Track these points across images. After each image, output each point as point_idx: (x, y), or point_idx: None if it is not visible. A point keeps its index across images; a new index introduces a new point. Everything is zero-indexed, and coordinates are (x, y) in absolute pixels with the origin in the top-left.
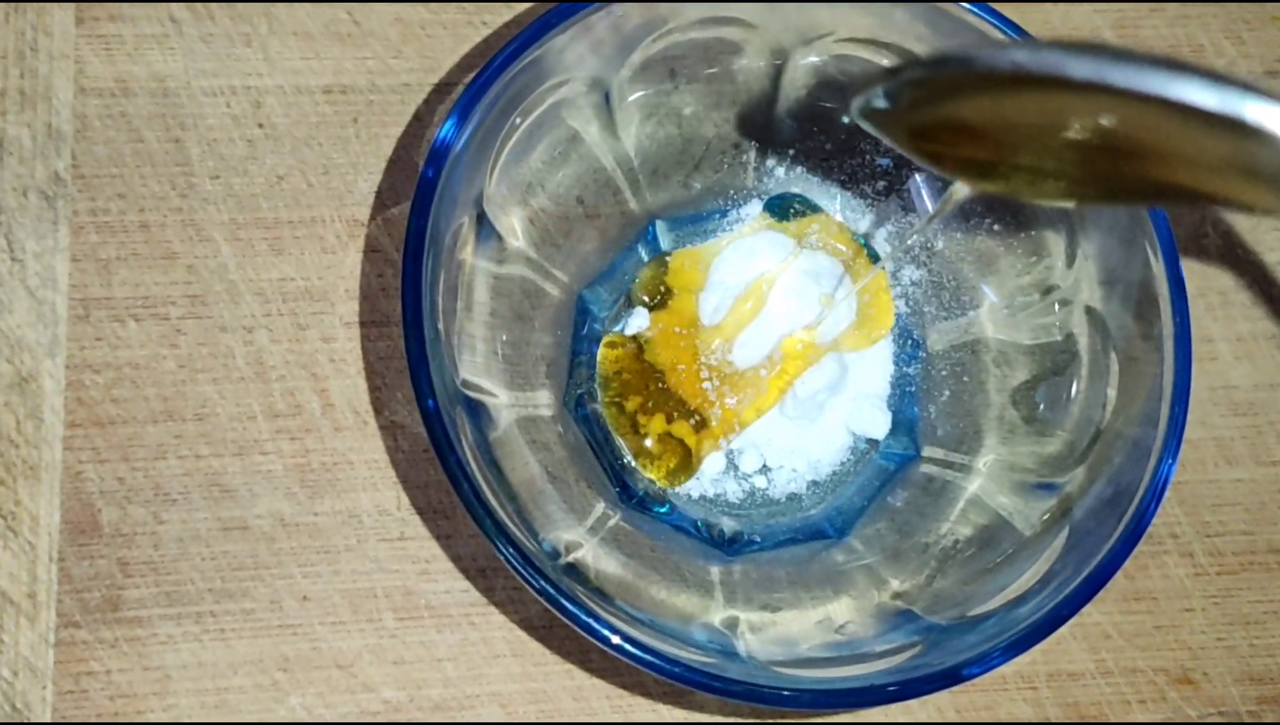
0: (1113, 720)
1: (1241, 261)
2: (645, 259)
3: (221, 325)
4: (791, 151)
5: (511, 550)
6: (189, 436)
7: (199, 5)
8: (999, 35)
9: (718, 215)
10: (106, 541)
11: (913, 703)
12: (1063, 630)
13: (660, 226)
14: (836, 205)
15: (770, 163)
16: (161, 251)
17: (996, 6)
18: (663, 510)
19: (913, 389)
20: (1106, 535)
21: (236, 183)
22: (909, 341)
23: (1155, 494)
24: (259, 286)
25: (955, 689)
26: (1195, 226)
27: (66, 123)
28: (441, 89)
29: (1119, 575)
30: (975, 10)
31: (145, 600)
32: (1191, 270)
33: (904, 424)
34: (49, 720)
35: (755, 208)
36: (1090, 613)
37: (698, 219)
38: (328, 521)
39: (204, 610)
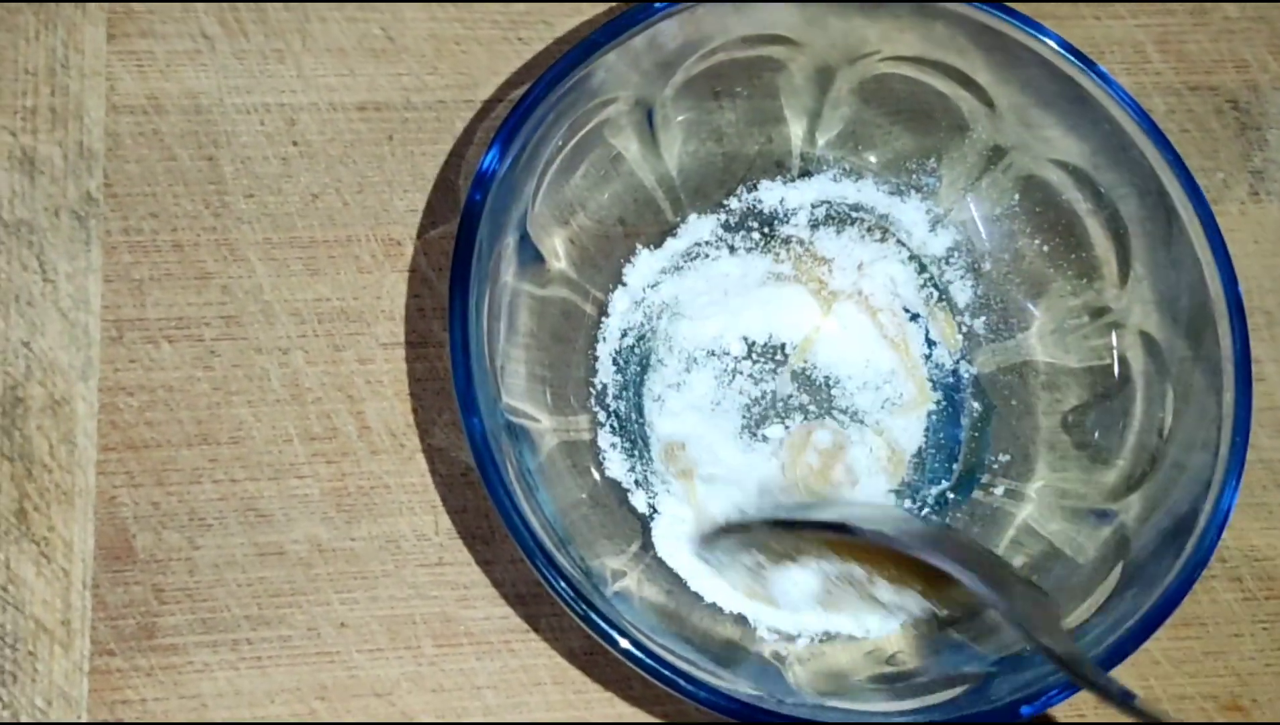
0: None
1: None
2: None
3: (256, 346)
4: (835, 171)
5: (563, 583)
6: (224, 460)
7: (232, 21)
8: (1045, 49)
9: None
10: (141, 568)
11: None
12: None
13: None
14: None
15: (815, 181)
16: (195, 272)
17: (1042, 21)
18: None
19: (958, 404)
20: (1166, 568)
21: (271, 201)
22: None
23: (1217, 526)
24: (294, 307)
25: None
26: (1241, 244)
27: (98, 141)
28: (478, 106)
29: None
30: (1019, 25)
31: (181, 627)
32: None
33: (946, 448)
34: None
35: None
36: None
37: None
38: (365, 546)
39: (240, 638)
